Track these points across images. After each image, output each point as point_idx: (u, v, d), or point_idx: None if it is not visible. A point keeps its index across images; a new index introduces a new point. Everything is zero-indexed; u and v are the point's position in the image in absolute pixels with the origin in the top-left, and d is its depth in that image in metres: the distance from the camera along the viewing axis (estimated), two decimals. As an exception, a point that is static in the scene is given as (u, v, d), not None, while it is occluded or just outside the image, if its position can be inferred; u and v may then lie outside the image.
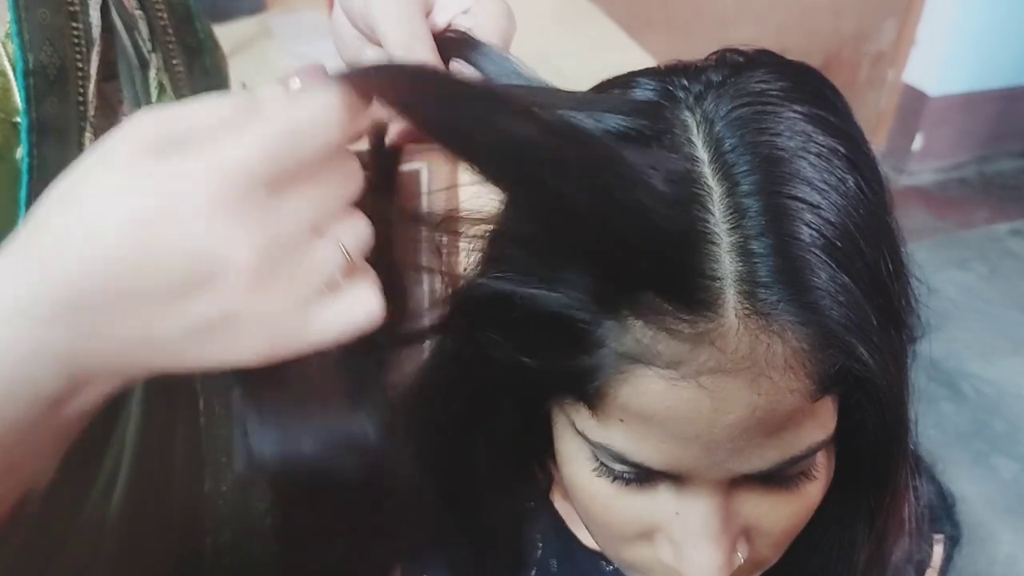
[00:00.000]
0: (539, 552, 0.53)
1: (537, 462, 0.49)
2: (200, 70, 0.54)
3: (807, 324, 0.34)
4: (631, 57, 1.51)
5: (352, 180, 0.33)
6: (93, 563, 0.50)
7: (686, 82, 0.38)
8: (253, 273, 0.30)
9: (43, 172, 0.42)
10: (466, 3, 0.39)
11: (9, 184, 0.42)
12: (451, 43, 0.39)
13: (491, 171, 0.33)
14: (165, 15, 0.52)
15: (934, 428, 1.84)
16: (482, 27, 0.39)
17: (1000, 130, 2.79)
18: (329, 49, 1.59)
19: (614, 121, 0.36)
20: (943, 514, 0.56)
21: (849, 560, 0.46)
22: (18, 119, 0.42)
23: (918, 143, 2.69)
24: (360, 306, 0.32)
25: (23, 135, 0.41)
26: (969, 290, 2.27)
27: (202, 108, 0.31)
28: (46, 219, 0.31)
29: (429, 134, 0.34)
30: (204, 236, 0.29)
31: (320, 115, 0.31)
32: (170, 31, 0.52)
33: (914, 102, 2.65)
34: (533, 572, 0.54)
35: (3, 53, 0.42)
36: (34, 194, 0.41)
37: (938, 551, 0.56)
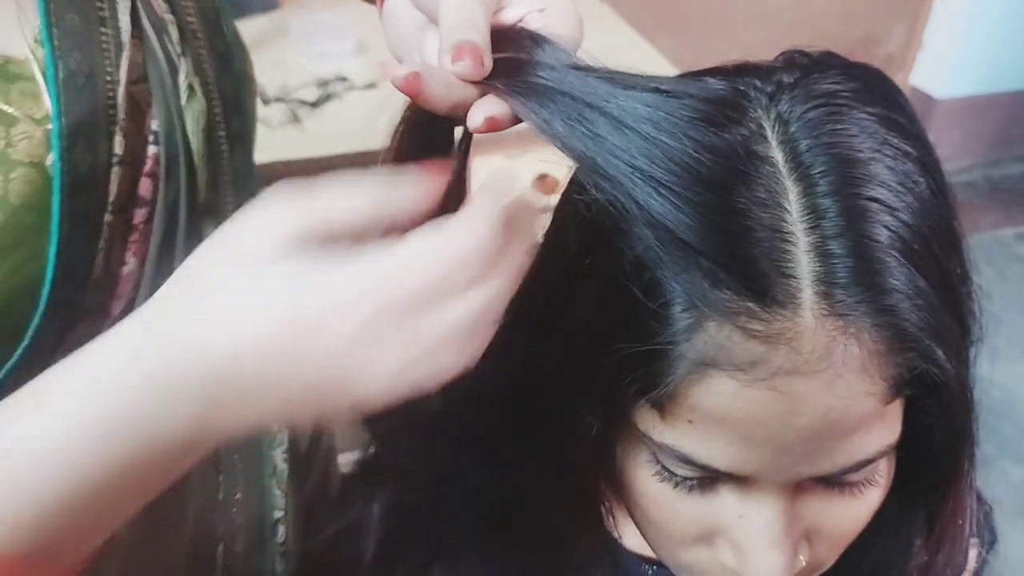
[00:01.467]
0: (580, 555, 0.53)
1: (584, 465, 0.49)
2: (228, 73, 0.54)
3: (884, 327, 0.34)
4: (645, 59, 1.51)
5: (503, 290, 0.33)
6: (103, 567, 0.50)
7: (757, 82, 0.38)
8: (385, 388, 0.31)
9: (74, 177, 0.42)
10: (541, 2, 0.39)
11: (42, 192, 0.41)
12: (518, 37, 0.38)
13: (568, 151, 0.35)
14: (194, 19, 0.52)
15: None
16: (554, 27, 0.38)
17: (1007, 134, 2.79)
18: (343, 48, 1.58)
19: (692, 109, 0.36)
20: (981, 520, 0.56)
21: (904, 565, 0.45)
22: (48, 126, 0.42)
23: (925, 146, 2.69)
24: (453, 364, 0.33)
25: (55, 141, 0.41)
26: (980, 307, 2.27)
27: (340, 205, 0.32)
28: (188, 309, 0.32)
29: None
30: (344, 358, 0.30)
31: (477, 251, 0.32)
32: (199, 35, 0.52)
33: (921, 105, 2.65)
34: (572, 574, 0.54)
35: (32, 59, 0.42)
36: (68, 200, 0.41)
37: (973, 556, 0.56)
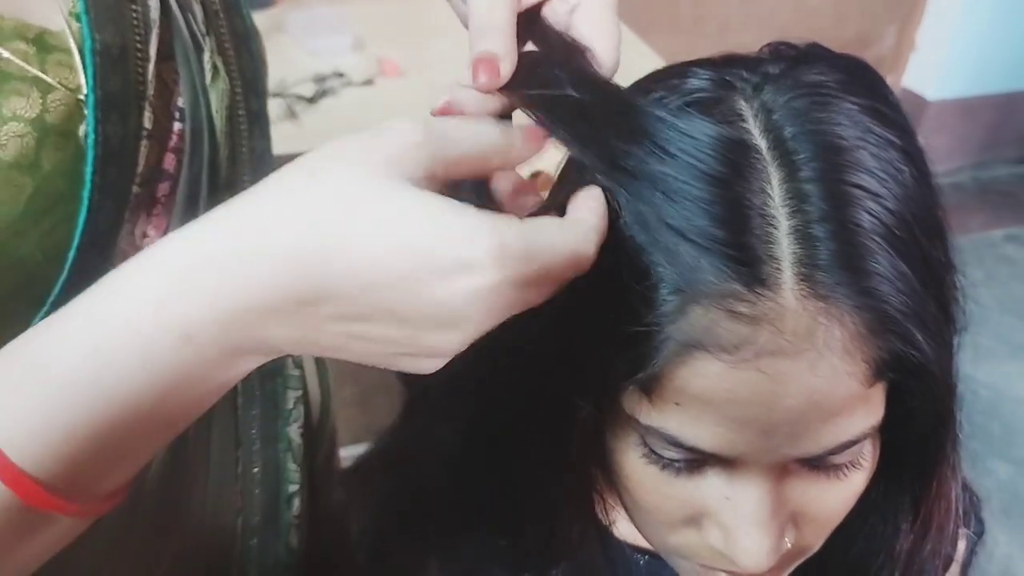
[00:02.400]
0: (571, 543, 0.54)
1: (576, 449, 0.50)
2: (247, 54, 0.55)
3: (866, 309, 0.35)
4: (641, 57, 1.52)
5: None
6: (127, 537, 0.51)
7: (744, 73, 0.39)
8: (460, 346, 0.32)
9: (106, 148, 0.43)
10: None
11: (74, 160, 0.43)
12: (540, 27, 0.40)
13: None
14: (216, 1, 0.53)
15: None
16: (582, 25, 0.40)
17: (996, 136, 2.80)
18: (340, 44, 1.59)
19: (682, 99, 0.38)
20: (968, 509, 0.57)
21: (891, 550, 0.46)
22: (81, 96, 0.43)
23: (916, 148, 2.70)
24: None
25: (89, 112, 0.42)
26: (965, 295, 2.29)
27: (468, 134, 0.34)
28: (303, 206, 0.31)
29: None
30: (456, 314, 0.31)
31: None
32: (221, 16, 0.53)
33: (913, 106, 2.67)
34: (562, 564, 0.55)
35: (68, 32, 0.43)
36: (99, 170, 0.42)
37: (962, 546, 0.57)
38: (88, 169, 0.42)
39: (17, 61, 0.40)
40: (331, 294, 0.30)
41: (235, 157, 0.53)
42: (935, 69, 2.61)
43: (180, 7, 0.49)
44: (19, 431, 0.31)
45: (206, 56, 0.50)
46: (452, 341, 0.32)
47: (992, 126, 2.77)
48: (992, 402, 1.96)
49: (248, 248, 0.31)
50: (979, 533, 0.57)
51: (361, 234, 0.30)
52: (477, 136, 0.34)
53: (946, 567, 0.55)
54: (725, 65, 0.41)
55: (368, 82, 1.42)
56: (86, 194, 0.42)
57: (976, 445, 1.86)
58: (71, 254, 0.42)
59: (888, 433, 0.41)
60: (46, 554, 0.36)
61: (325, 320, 0.31)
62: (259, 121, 0.56)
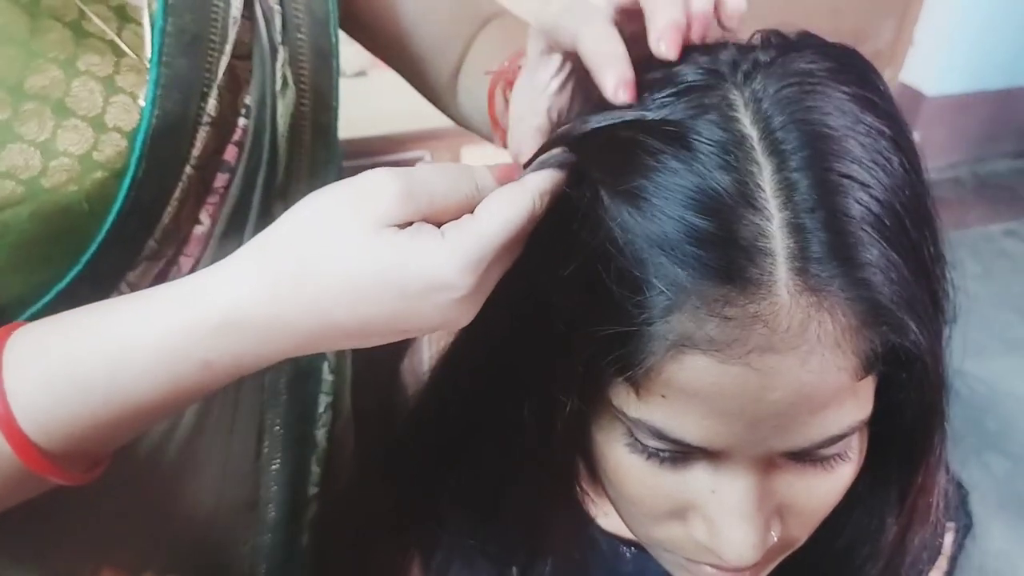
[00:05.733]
0: (558, 536, 0.53)
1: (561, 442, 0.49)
2: (326, 70, 0.56)
3: (858, 300, 0.34)
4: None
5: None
6: (140, 509, 0.52)
7: (733, 60, 0.39)
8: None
9: (161, 124, 0.45)
10: None
11: (136, 123, 0.45)
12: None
13: None
14: (302, 14, 0.54)
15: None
16: None
17: (994, 131, 2.80)
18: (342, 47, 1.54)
19: (661, 100, 0.37)
20: (956, 503, 0.57)
21: (877, 542, 0.46)
22: (147, 69, 0.45)
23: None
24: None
25: (150, 86, 0.45)
26: (962, 290, 2.28)
27: (444, 189, 0.38)
28: (311, 266, 0.36)
29: None
30: (445, 312, 0.37)
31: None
32: (303, 30, 0.54)
33: (911, 101, 2.66)
34: (550, 557, 0.55)
35: (146, 8, 0.46)
36: (149, 143, 0.45)
37: (949, 539, 0.57)
38: (139, 138, 0.44)
39: (97, 21, 0.43)
40: (336, 330, 0.37)
41: (290, 165, 0.54)
42: (933, 64, 2.60)
43: (264, 15, 0.51)
44: (36, 408, 0.38)
45: (279, 64, 0.52)
46: (448, 325, 0.39)
47: (990, 121, 2.77)
48: (988, 398, 1.96)
49: (270, 313, 0.37)
50: (967, 526, 0.57)
51: (361, 285, 0.36)
52: (452, 194, 0.38)
53: (933, 560, 0.54)
54: (716, 51, 0.40)
55: (361, 74, 1.41)
56: (133, 163, 0.44)
57: (972, 440, 1.86)
58: (111, 217, 0.45)
59: (876, 425, 0.40)
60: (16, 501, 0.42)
61: (324, 340, 0.38)
62: (325, 134, 0.57)
